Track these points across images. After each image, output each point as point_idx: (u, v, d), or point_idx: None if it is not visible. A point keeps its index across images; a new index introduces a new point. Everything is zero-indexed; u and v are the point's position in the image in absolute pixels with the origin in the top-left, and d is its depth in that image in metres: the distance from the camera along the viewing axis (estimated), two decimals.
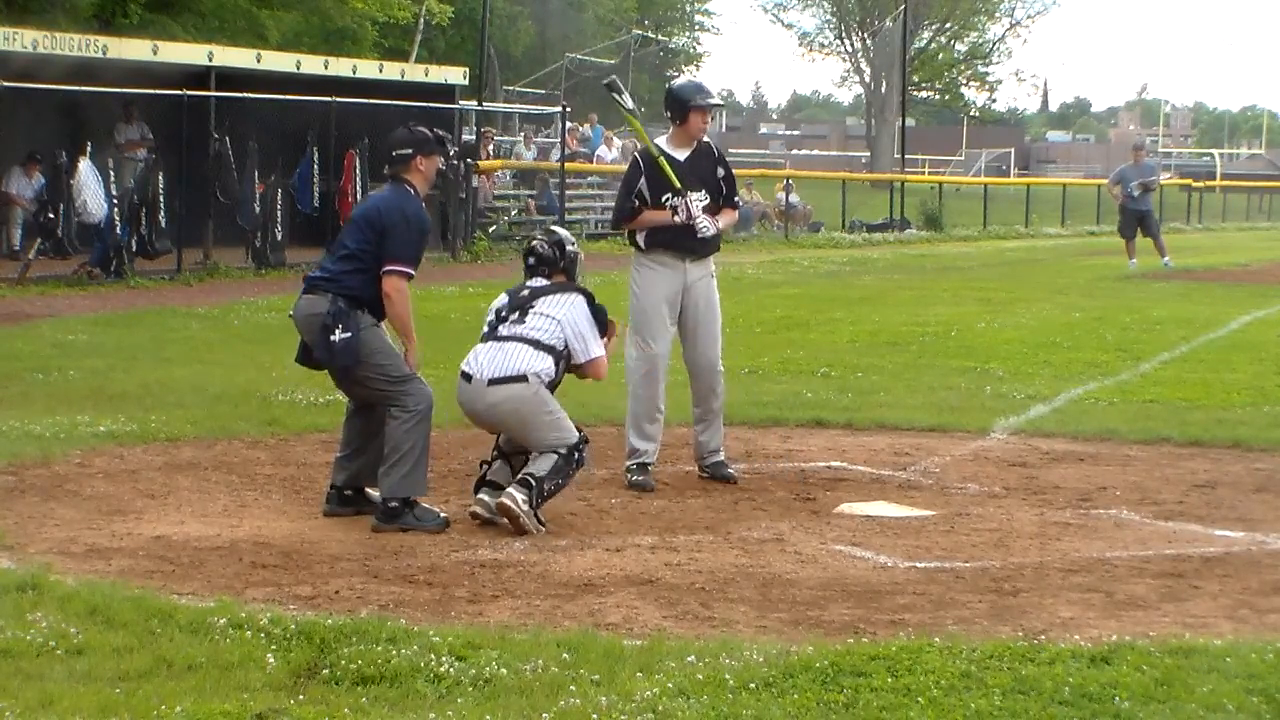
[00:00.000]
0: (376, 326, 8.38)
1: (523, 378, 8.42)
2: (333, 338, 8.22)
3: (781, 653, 5.96)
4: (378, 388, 8.31)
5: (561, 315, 8.62)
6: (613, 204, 11.18)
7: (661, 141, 9.78)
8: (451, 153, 8.74)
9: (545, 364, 8.49)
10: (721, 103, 9.81)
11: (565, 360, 8.62)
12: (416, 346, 8.46)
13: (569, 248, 8.93)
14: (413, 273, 8.35)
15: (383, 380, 8.29)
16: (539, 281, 8.82)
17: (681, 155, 9.62)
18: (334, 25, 39.00)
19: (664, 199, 9.54)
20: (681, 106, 9.59)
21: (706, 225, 9.51)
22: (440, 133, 8.75)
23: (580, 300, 8.73)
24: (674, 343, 9.79)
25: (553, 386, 8.60)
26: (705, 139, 9.81)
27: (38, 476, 9.26)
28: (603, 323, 8.78)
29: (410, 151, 8.49)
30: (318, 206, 25.43)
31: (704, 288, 9.71)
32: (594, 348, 8.67)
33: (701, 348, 9.74)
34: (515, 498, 8.17)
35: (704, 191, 9.60)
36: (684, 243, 9.58)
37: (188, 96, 23.63)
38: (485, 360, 8.53)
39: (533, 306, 8.66)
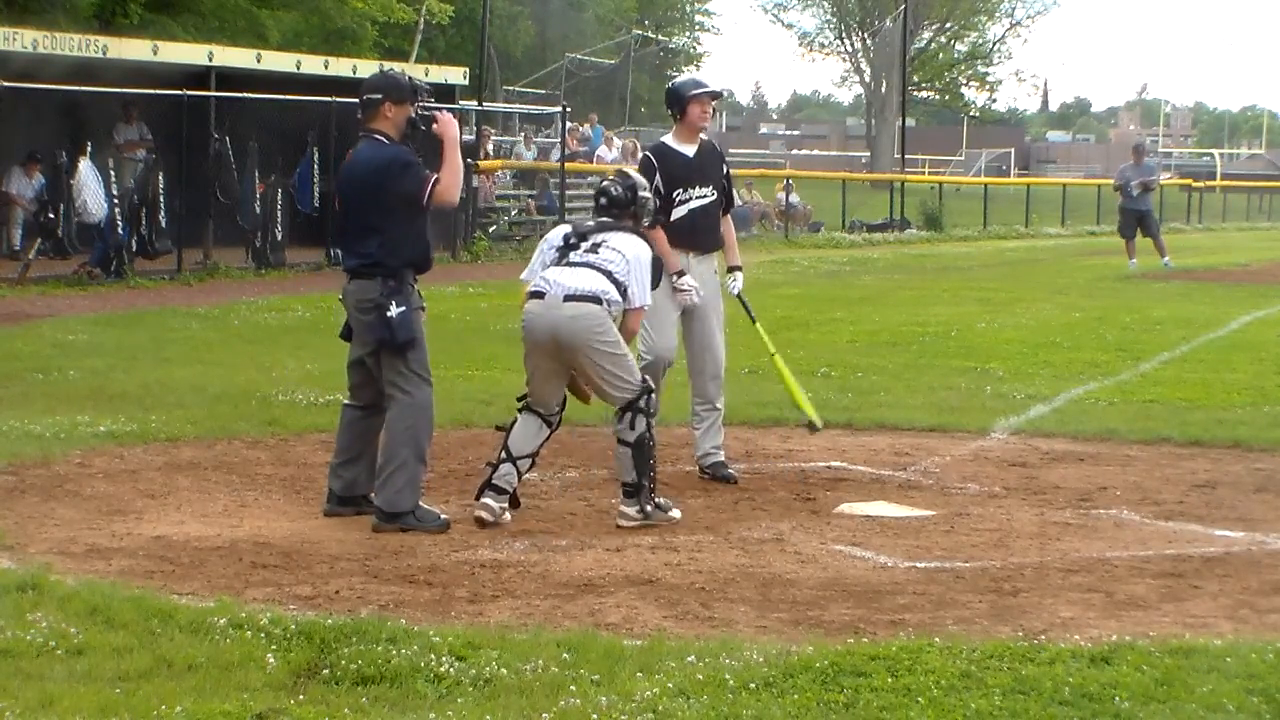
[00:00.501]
0: (421, 310, 8.32)
1: (597, 299, 8.43)
2: (389, 313, 8.12)
3: (781, 653, 5.96)
4: (391, 378, 8.24)
5: (630, 254, 8.58)
6: None
7: (668, 139, 9.94)
8: (423, 101, 8.53)
9: (615, 295, 8.49)
10: (720, 91, 10.04)
11: (624, 300, 8.57)
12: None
13: (641, 192, 8.87)
14: (433, 176, 8.21)
15: (402, 369, 8.25)
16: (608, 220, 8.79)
17: (690, 151, 9.77)
18: (334, 25, 38.98)
19: (674, 193, 9.66)
20: (680, 99, 9.74)
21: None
22: (416, 81, 8.57)
23: (646, 246, 8.70)
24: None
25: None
26: (708, 138, 9.98)
27: (38, 476, 9.26)
28: (656, 276, 8.78)
29: (380, 96, 8.32)
30: (318, 206, 25.42)
31: (708, 286, 9.78)
32: (646, 296, 8.65)
33: (710, 346, 9.82)
34: (629, 514, 8.37)
35: (710, 186, 9.76)
36: (687, 239, 9.65)
37: (188, 96, 23.63)
38: (560, 278, 8.49)
39: (604, 241, 8.61)
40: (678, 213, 9.65)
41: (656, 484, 8.53)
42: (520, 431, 8.57)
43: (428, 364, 8.36)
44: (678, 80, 10.19)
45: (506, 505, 8.43)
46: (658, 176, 9.62)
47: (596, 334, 8.38)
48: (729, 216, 10.05)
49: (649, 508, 8.41)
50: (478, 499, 8.43)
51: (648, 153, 10.03)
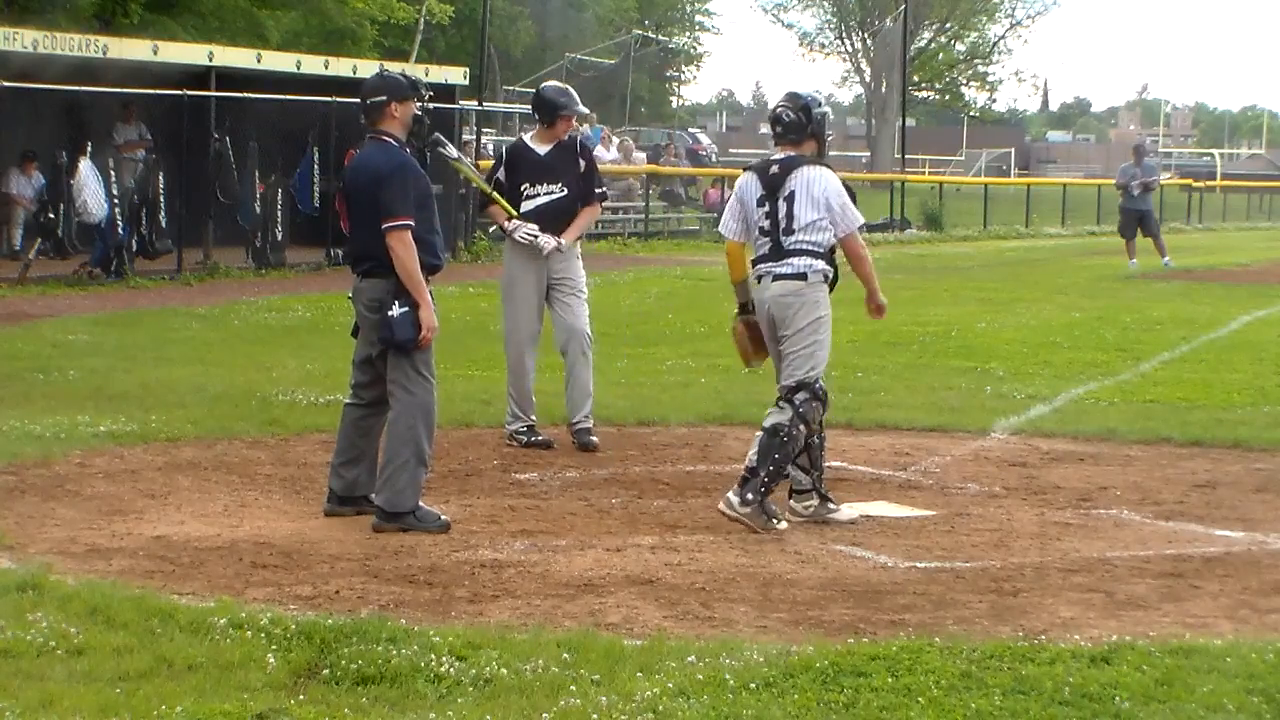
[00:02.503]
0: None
1: (802, 275, 8.49)
2: (391, 313, 8.11)
3: (782, 653, 5.97)
4: (395, 376, 8.23)
5: (819, 194, 8.52)
6: (617, 203, 11.46)
7: (527, 137, 10.73)
8: (427, 97, 8.54)
9: (819, 265, 8.51)
10: (589, 112, 10.74)
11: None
12: (429, 304, 8.19)
13: (816, 110, 8.69)
14: (410, 223, 8.14)
15: (406, 369, 8.24)
16: (786, 154, 8.64)
17: (543, 150, 10.48)
18: (334, 25, 38.96)
19: (521, 187, 10.44)
20: (551, 112, 10.45)
21: (538, 239, 10.37)
22: (414, 77, 8.56)
23: (831, 175, 8.61)
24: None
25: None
26: (570, 139, 10.71)
27: (38, 476, 9.26)
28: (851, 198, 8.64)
29: (384, 98, 8.30)
30: (318, 206, 25.38)
31: (567, 266, 10.52)
32: (853, 218, 8.66)
33: (570, 316, 10.50)
34: (730, 500, 8.29)
35: (561, 184, 10.45)
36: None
37: (188, 96, 23.62)
38: (768, 265, 8.58)
39: (792, 193, 8.49)
40: (525, 206, 10.38)
41: (774, 484, 8.31)
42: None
43: (432, 364, 8.36)
44: (552, 90, 10.66)
45: (815, 502, 8.50)
46: (501, 169, 10.47)
47: (793, 310, 8.45)
48: (593, 206, 10.68)
49: (750, 497, 8.21)
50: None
51: (506, 149, 10.82)
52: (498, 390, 12.53)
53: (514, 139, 11.05)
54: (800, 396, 8.38)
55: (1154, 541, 8.25)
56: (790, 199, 8.50)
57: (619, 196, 36.01)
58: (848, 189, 8.72)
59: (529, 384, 10.55)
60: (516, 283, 10.52)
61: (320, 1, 37.59)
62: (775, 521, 8.28)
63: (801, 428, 8.37)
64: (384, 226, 8.14)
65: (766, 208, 8.57)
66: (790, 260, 8.49)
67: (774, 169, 8.62)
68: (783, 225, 8.50)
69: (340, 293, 8.34)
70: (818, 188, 8.51)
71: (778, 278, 8.51)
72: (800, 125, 8.61)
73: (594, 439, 10.41)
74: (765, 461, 8.26)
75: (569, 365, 10.57)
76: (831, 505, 8.57)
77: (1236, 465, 10.29)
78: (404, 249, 8.15)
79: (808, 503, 8.52)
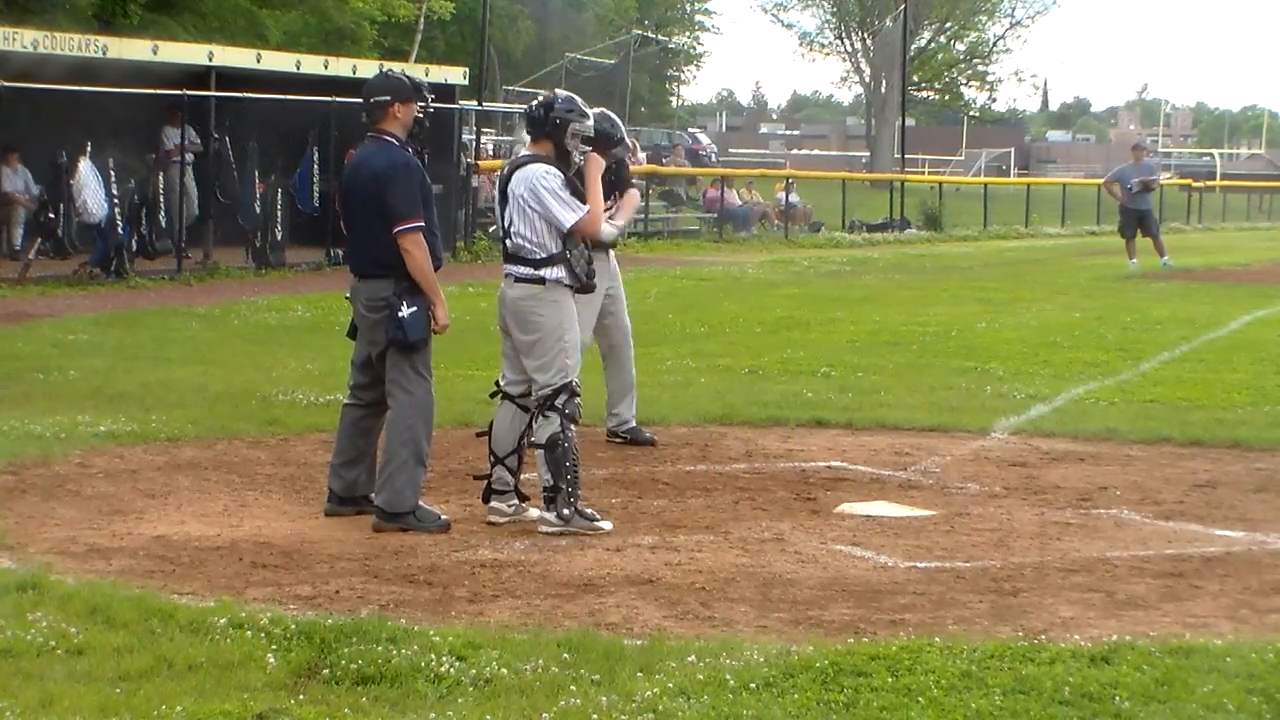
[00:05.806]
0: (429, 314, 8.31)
1: (539, 280, 8.31)
2: (401, 314, 8.12)
3: (782, 653, 5.97)
4: (394, 375, 8.24)
5: (527, 193, 8.27)
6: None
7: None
8: (429, 100, 8.53)
9: (549, 271, 8.30)
10: (633, 142, 10.42)
11: (562, 240, 8.31)
12: (443, 301, 8.30)
13: (557, 111, 8.39)
14: (421, 223, 8.18)
15: (405, 368, 8.24)
16: (524, 154, 8.50)
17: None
18: (334, 25, 38.97)
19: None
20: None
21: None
22: (416, 79, 8.56)
23: (543, 170, 8.31)
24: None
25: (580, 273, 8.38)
26: None
27: (38, 476, 9.26)
28: (573, 189, 8.34)
29: (388, 98, 8.31)
30: (318, 206, 25.39)
31: (617, 270, 10.84)
32: (571, 212, 8.26)
33: (625, 319, 10.84)
34: (548, 520, 8.21)
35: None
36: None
37: (188, 96, 23.63)
38: (506, 265, 8.42)
39: (511, 192, 8.33)
40: None
41: (577, 490, 8.29)
42: (497, 426, 8.55)
43: (430, 363, 8.37)
44: (599, 119, 9.68)
45: (517, 502, 8.40)
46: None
47: (530, 314, 8.31)
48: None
49: (566, 511, 8.20)
50: (488, 506, 8.45)
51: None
52: None
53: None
54: (560, 400, 8.28)
55: (1154, 541, 8.25)
56: (511, 201, 8.37)
57: None
58: (570, 184, 8.33)
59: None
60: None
61: (320, 1, 37.60)
62: (597, 522, 8.25)
63: (572, 427, 8.31)
64: (395, 230, 8.14)
65: (498, 209, 8.51)
66: (520, 265, 8.34)
67: (506, 169, 8.56)
68: (507, 227, 8.40)
69: (340, 293, 8.34)
70: (526, 186, 8.31)
71: (518, 280, 8.35)
72: (538, 121, 8.42)
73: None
74: (560, 474, 8.22)
75: (624, 362, 10.78)
76: (525, 506, 8.47)
77: (1236, 465, 10.29)
78: (418, 250, 8.18)
79: (511, 501, 8.43)
